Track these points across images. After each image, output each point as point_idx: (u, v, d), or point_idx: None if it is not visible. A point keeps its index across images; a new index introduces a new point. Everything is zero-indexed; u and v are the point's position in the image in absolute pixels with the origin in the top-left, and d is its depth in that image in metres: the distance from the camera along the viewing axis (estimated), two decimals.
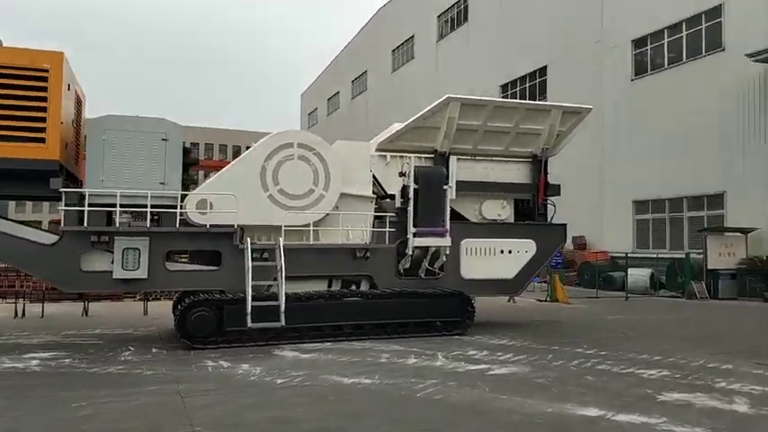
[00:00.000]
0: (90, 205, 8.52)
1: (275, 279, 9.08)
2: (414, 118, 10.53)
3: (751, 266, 17.39)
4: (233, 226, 9.14)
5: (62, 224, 8.51)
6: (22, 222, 9.14)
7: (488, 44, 31.25)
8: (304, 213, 9.59)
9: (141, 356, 8.06)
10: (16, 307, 12.06)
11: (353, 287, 10.27)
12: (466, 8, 33.75)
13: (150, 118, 8.95)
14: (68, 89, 8.66)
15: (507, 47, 29.71)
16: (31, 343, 9.02)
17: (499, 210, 11.28)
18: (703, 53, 19.95)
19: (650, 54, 22.04)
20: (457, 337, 9.82)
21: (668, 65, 21.26)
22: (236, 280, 8.99)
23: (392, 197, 10.60)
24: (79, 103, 9.76)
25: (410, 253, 10.17)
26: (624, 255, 19.62)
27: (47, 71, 8.06)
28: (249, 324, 8.46)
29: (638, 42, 22.45)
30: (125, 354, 8.23)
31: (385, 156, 10.64)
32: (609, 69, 23.65)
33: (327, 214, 9.85)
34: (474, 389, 6.33)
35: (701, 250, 18.20)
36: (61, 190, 8.26)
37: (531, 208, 11.51)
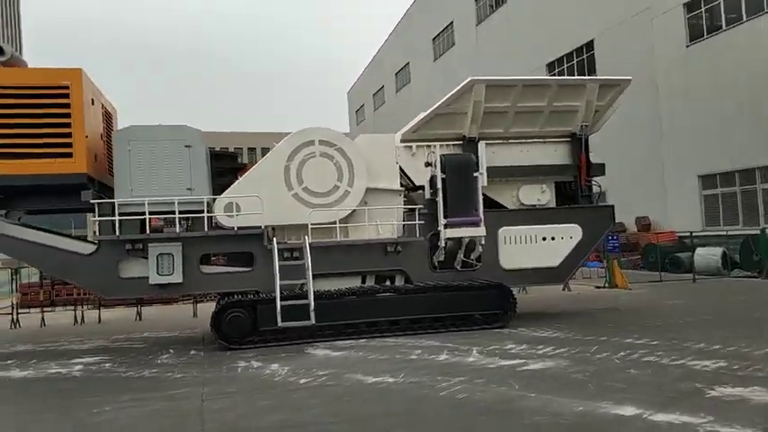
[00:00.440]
0: (121, 214, 8.70)
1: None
2: (437, 104, 10.16)
3: None
4: (260, 227, 9.11)
5: (97, 234, 8.72)
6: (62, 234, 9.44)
7: (531, 22, 30.12)
8: (330, 210, 9.43)
9: (178, 359, 8.16)
10: (75, 314, 12.59)
11: (388, 282, 10.05)
12: None
13: (172, 126, 9.03)
14: (92, 103, 8.87)
15: (551, 23, 28.52)
16: (80, 348, 9.36)
17: (538, 194, 10.73)
18: (766, 8, 18.34)
19: (705, 17, 20.53)
20: (498, 330, 9.40)
21: (726, 26, 19.71)
22: (269, 280, 8.95)
23: (421, 188, 10.28)
24: (109, 117, 10.00)
25: (442, 245, 9.82)
26: (689, 234, 18.38)
27: (67, 88, 8.28)
28: (279, 323, 8.42)
29: (691, 5, 20.92)
30: (163, 357, 8.36)
31: (410, 146, 10.32)
32: (661, 37, 22.22)
33: (355, 210, 9.66)
34: (502, 386, 5.96)
35: None
36: (92, 201, 8.46)
37: (574, 190, 10.89)
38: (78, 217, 17.63)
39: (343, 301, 9.22)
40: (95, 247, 8.85)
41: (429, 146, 10.28)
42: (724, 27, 19.80)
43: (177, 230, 8.90)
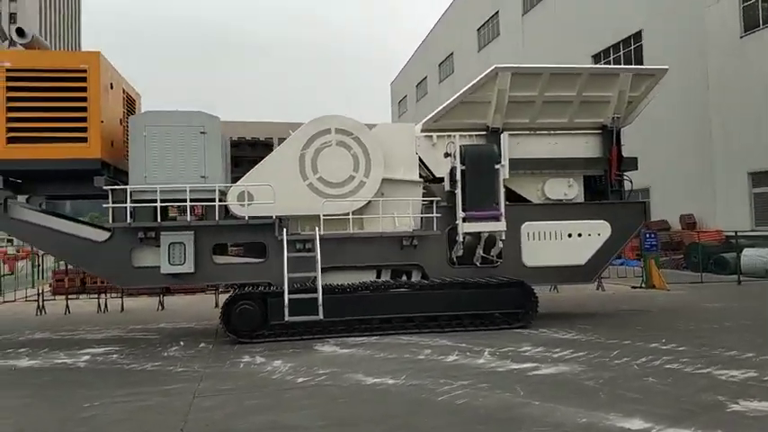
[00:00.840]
0: (135, 201, 8.66)
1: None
2: (459, 93, 9.74)
3: None
4: (271, 217, 8.92)
5: (110, 221, 8.71)
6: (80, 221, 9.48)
7: (577, 12, 29.09)
8: (344, 201, 9.17)
9: (185, 352, 8.07)
10: (99, 302, 12.74)
11: (405, 277, 9.74)
12: None
13: (188, 112, 8.90)
14: (111, 88, 8.82)
15: (597, 13, 27.46)
16: (94, 338, 9.39)
17: (565, 188, 10.19)
18: None
19: (762, 7, 19.26)
20: (519, 330, 8.96)
21: None
22: (282, 272, 8.74)
23: (441, 180, 9.90)
24: (131, 103, 9.98)
25: (460, 239, 9.43)
26: (734, 233, 17.35)
27: (85, 71, 8.23)
28: (287, 318, 8.22)
29: None
30: (172, 349, 8.29)
31: (431, 136, 9.94)
32: (713, 28, 21.00)
33: (370, 201, 9.37)
34: (506, 392, 5.59)
35: None
36: (105, 188, 8.43)
37: (604, 185, 10.30)
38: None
39: (356, 296, 8.96)
40: (109, 234, 8.83)
41: (449, 136, 9.88)
42: None
43: (188, 219, 8.78)
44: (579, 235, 9.93)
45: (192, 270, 8.89)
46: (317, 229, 8.85)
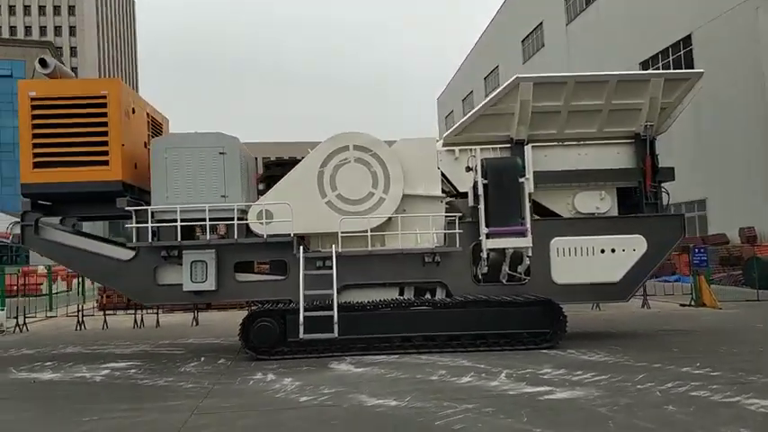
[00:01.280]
0: (158, 221, 8.86)
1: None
2: (481, 105, 9.49)
3: None
4: (289, 235, 8.92)
5: (134, 240, 8.93)
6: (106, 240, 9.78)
7: (623, 19, 28.24)
8: (362, 218, 9.06)
9: (202, 368, 8.12)
10: (135, 317, 13.09)
11: (428, 295, 9.50)
12: None
13: (208, 133, 9.09)
14: (132, 112, 9.11)
15: (644, 19, 26.55)
16: (122, 353, 9.61)
17: (597, 202, 9.71)
18: None
19: None
20: (545, 351, 8.55)
21: None
22: None
23: (466, 195, 9.64)
24: (157, 126, 10.27)
25: (484, 256, 9.12)
26: None
27: (105, 98, 8.54)
28: (301, 335, 8.15)
29: None
30: (191, 365, 8.35)
31: (453, 150, 9.72)
32: (766, 27, 19.86)
33: (391, 218, 9.22)
34: (509, 417, 5.28)
35: None
36: (127, 208, 8.67)
37: (639, 197, 9.76)
38: None
39: (375, 314, 8.81)
40: (134, 253, 9.06)
41: (471, 149, 9.64)
42: None
43: (207, 238, 8.90)
44: (612, 250, 9.41)
45: (214, 287, 9.00)
46: (332, 246, 8.78)
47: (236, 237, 8.91)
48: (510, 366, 7.46)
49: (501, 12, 44.07)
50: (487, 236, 9.07)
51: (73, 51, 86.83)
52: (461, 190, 9.71)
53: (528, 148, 9.31)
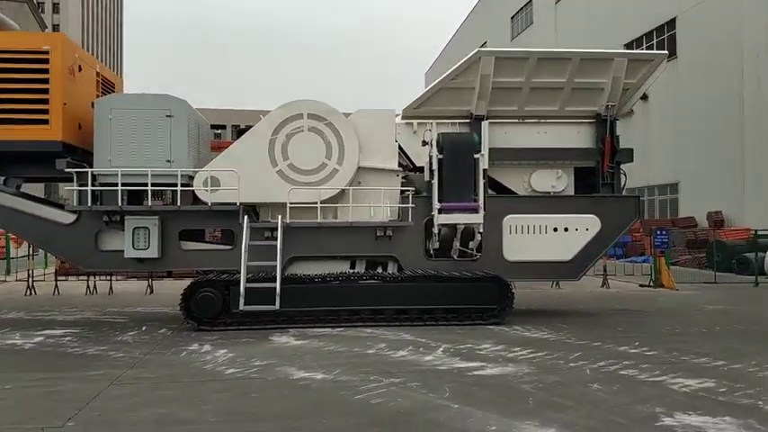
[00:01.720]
0: (101, 185, 8.57)
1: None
2: (440, 78, 9.27)
3: None
4: (235, 204, 8.69)
5: (73, 203, 8.65)
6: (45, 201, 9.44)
7: (611, 0, 27.93)
8: (312, 189, 8.85)
9: (139, 337, 7.92)
10: (88, 283, 12.82)
11: (380, 269, 9.38)
12: None
13: (154, 95, 8.75)
14: (79, 70, 8.74)
15: (631, 0, 26.28)
16: (64, 319, 9.37)
17: (553, 180, 9.61)
18: None
19: None
20: (491, 327, 8.51)
21: None
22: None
23: (422, 170, 9.46)
24: (109, 86, 9.89)
25: (436, 231, 8.99)
26: (755, 231, 16.29)
27: (47, 53, 8.14)
28: (241, 307, 8.00)
29: None
30: (129, 334, 8.14)
31: (412, 124, 9.51)
32: (750, 13, 19.75)
33: (343, 190, 9.03)
34: (431, 392, 5.20)
35: None
36: (67, 170, 8.36)
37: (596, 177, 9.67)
38: None
39: (322, 287, 8.67)
40: (75, 217, 8.77)
41: (429, 123, 9.44)
42: None
43: (149, 203, 8.63)
44: (566, 229, 9.36)
45: (157, 255, 8.76)
46: (279, 217, 8.59)
47: (179, 203, 8.66)
48: (451, 341, 7.40)
49: None
50: (439, 211, 8.93)
51: (55, 8, 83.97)
52: (418, 164, 9.53)
53: (485, 124, 9.14)
